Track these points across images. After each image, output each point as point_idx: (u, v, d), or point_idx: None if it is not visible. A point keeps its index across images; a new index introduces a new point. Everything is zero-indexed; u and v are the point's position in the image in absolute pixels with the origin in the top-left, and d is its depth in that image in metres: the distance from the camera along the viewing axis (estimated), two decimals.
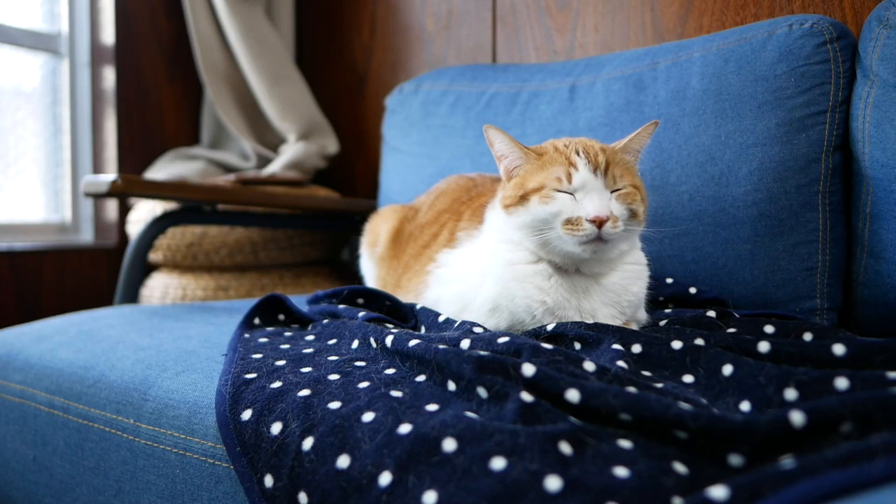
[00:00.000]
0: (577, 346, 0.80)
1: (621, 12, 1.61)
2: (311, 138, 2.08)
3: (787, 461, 0.47)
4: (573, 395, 0.62)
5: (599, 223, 0.82)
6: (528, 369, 0.65)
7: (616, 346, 0.76)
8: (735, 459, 0.52)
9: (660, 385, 0.69)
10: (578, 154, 0.86)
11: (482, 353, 0.69)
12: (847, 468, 0.43)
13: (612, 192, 0.85)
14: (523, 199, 0.87)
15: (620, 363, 0.71)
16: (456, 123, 1.57)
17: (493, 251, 0.94)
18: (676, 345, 0.75)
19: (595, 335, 0.79)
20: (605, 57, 1.41)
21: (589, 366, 0.68)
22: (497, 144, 0.91)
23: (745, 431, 0.53)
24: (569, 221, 0.84)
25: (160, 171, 2.03)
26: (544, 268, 0.89)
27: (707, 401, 0.64)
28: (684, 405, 0.57)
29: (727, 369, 0.69)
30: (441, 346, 0.73)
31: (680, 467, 0.52)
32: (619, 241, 0.86)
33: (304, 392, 0.71)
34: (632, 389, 0.61)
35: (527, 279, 0.89)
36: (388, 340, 0.80)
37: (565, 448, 0.54)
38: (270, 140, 2.17)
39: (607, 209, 0.83)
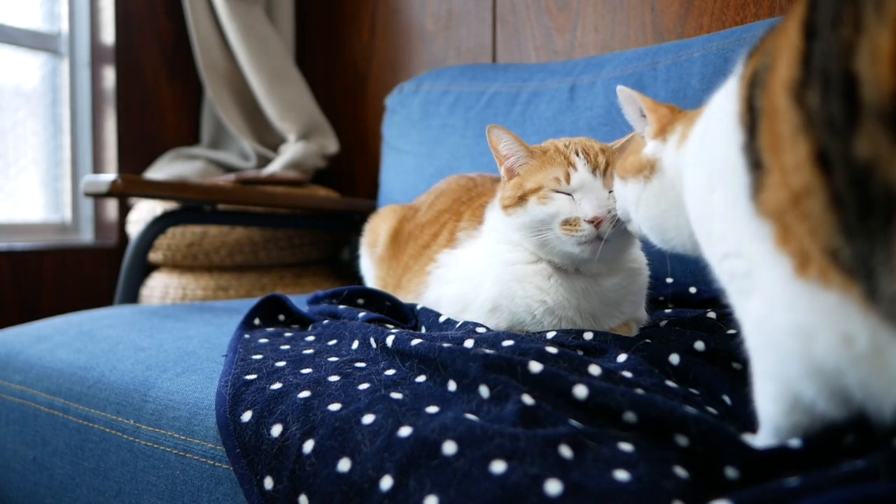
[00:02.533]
0: (580, 353, 0.80)
1: (621, 12, 1.61)
2: (311, 138, 2.08)
3: (792, 479, 0.47)
4: (581, 391, 0.62)
5: (598, 223, 0.82)
6: (536, 366, 0.65)
7: (621, 357, 0.76)
8: (731, 472, 0.52)
9: (670, 384, 0.69)
10: (578, 154, 0.86)
11: (488, 351, 0.69)
12: (851, 487, 0.43)
13: (610, 192, 0.85)
14: (522, 199, 0.87)
15: (626, 373, 0.71)
16: (456, 123, 1.57)
17: (492, 251, 0.94)
18: (674, 359, 0.76)
19: (597, 346, 0.80)
20: (605, 57, 1.41)
21: (594, 369, 0.68)
22: (501, 144, 0.91)
23: (743, 442, 0.53)
24: (567, 222, 0.84)
25: (160, 171, 2.03)
26: (544, 268, 0.89)
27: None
28: (689, 408, 0.57)
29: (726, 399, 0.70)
30: (445, 345, 0.73)
31: (680, 471, 0.52)
32: (617, 242, 0.86)
33: (305, 393, 0.71)
34: (639, 391, 0.61)
35: (526, 279, 0.89)
36: (390, 340, 0.80)
37: (565, 451, 0.54)
38: (270, 140, 2.17)
39: (605, 209, 0.83)
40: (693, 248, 0.67)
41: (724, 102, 0.57)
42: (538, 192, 0.86)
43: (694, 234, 0.64)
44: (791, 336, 0.48)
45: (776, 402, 0.54)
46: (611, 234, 0.83)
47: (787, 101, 0.43)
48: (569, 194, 0.85)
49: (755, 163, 0.49)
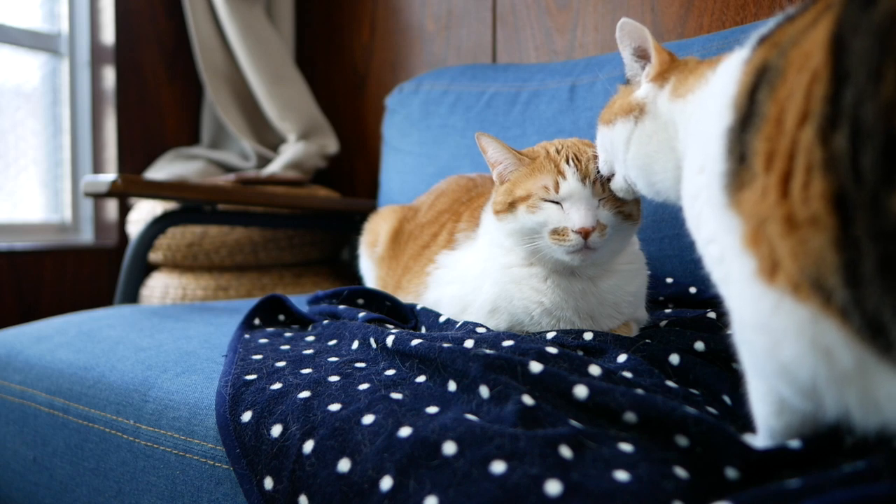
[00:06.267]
0: (580, 353, 0.80)
1: (621, 12, 1.60)
2: (311, 138, 2.08)
3: (793, 480, 0.47)
4: (581, 391, 0.62)
5: (585, 234, 0.81)
6: (536, 366, 0.65)
7: (621, 358, 0.76)
8: (731, 473, 0.52)
9: (671, 384, 0.69)
10: (568, 162, 0.85)
11: (489, 351, 0.69)
12: (852, 488, 0.43)
13: (600, 200, 0.84)
14: (512, 206, 0.87)
15: (626, 373, 0.71)
16: (456, 123, 1.57)
17: (489, 254, 0.94)
18: (674, 359, 0.76)
19: (597, 346, 0.80)
20: (605, 57, 1.41)
21: (594, 369, 0.68)
22: (490, 151, 0.91)
23: (743, 443, 0.53)
24: (555, 231, 0.83)
25: (160, 171, 2.03)
26: (539, 270, 0.89)
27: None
28: (690, 409, 0.57)
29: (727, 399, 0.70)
30: (446, 345, 0.73)
31: (680, 472, 0.52)
32: (610, 245, 0.85)
33: (305, 394, 0.71)
34: (639, 391, 0.61)
35: (523, 281, 0.89)
36: (390, 340, 0.80)
37: (565, 452, 0.54)
38: (270, 140, 2.17)
39: (593, 220, 0.82)
40: (676, 196, 0.67)
41: (723, 83, 0.56)
42: (527, 201, 0.85)
43: (679, 181, 0.64)
44: (757, 333, 0.48)
45: (765, 402, 0.54)
46: (600, 241, 0.83)
47: (811, 136, 0.43)
48: (558, 203, 0.84)
49: (739, 155, 0.48)
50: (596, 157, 0.86)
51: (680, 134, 0.67)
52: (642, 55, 0.76)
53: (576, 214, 0.82)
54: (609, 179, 0.83)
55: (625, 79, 0.81)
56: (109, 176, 1.42)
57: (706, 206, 0.55)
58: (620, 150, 0.74)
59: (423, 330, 0.95)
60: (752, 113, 0.48)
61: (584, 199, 0.83)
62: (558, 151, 0.88)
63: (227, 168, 2.12)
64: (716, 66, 0.65)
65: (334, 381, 0.73)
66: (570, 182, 0.83)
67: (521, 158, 0.89)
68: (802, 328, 0.44)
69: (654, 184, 0.71)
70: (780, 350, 0.46)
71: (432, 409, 0.64)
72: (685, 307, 1.11)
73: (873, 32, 0.41)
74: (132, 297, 1.55)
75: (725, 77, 0.57)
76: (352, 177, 2.23)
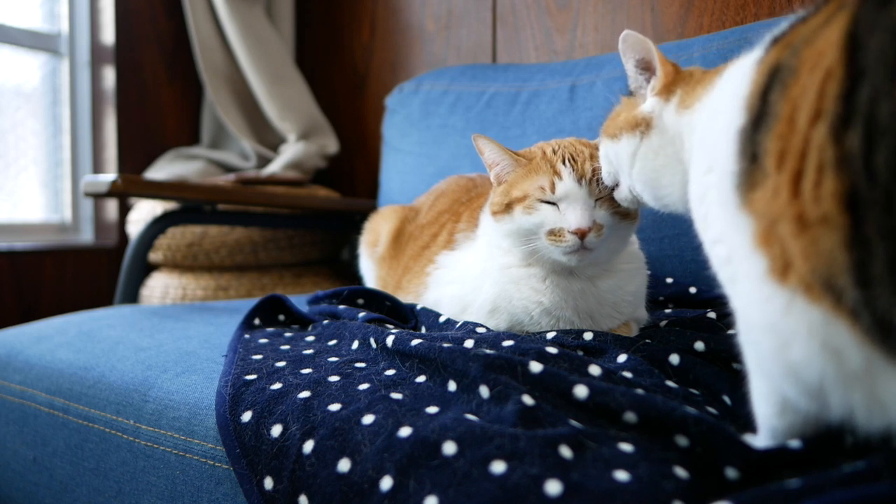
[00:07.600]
0: (580, 353, 0.80)
1: (621, 12, 1.61)
2: (311, 138, 2.08)
3: (793, 480, 0.47)
4: (581, 390, 0.62)
5: (581, 234, 0.81)
6: (536, 366, 0.65)
7: (621, 358, 0.76)
8: (731, 473, 0.52)
9: (671, 384, 0.69)
10: (564, 163, 0.85)
11: (489, 351, 0.69)
12: (852, 488, 0.43)
13: (596, 200, 0.84)
14: (508, 207, 0.87)
15: (626, 373, 0.71)
16: (456, 123, 1.57)
17: (488, 254, 0.93)
18: (674, 359, 0.76)
19: (597, 346, 0.80)
20: (605, 57, 1.41)
21: (594, 369, 0.68)
22: (487, 153, 0.90)
23: (743, 443, 0.53)
24: (552, 232, 0.83)
25: (160, 171, 2.04)
26: (538, 270, 0.89)
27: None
28: (690, 409, 0.57)
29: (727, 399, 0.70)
30: (446, 345, 0.73)
31: (680, 471, 0.52)
32: (608, 245, 0.85)
33: (305, 394, 0.71)
34: (639, 391, 0.61)
35: (522, 281, 0.89)
36: (390, 340, 0.80)
37: (565, 452, 0.54)
38: (270, 140, 2.17)
39: (589, 220, 0.81)
40: (684, 208, 0.66)
41: (735, 84, 0.56)
42: (524, 202, 0.85)
43: (687, 193, 0.64)
44: (765, 333, 0.48)
45: (769, 402, 0.54)
46: (597, 241, 0.82)
47: (824, 134, 0.42)
48: (554, 203, 0.84)
49: (751, 155, 0.48)
50: (593, 156, 0.86)
51: (686, 144, 0.66)
52: (646, 67, 0.75)
53: (571, 215, 0.82)
54: (612, 188, 0.82)
55: (626, 83, 0.80)
56: (109, 176, 1.42)
57: (714, 206, 0.55)
58: (626, 165, 0.74)
59: (423, 330, 0.95)
60: (765, 112, 0.48)
61: (580, 199, 0.83)
62: (555, 152, 0.87)
63: (227, 168, 2.12)
64: (722, 71, 0.64)
65: (334, 381, 0.73)
66: (566, 182, 0.83)
67: (517, 159, 0.89)
68: (814, 329, 0.44)
69: (662, 197, 0.71)
70: (788, 351, 0.46)
71: (432, 409, 0.64)
72: (685, 307, 1.11)
73: (891, 30, 0.40)
74: (132, 297, 1.55)
75: (737, 78, 0.56)
76: (352, 177, 2.23)
